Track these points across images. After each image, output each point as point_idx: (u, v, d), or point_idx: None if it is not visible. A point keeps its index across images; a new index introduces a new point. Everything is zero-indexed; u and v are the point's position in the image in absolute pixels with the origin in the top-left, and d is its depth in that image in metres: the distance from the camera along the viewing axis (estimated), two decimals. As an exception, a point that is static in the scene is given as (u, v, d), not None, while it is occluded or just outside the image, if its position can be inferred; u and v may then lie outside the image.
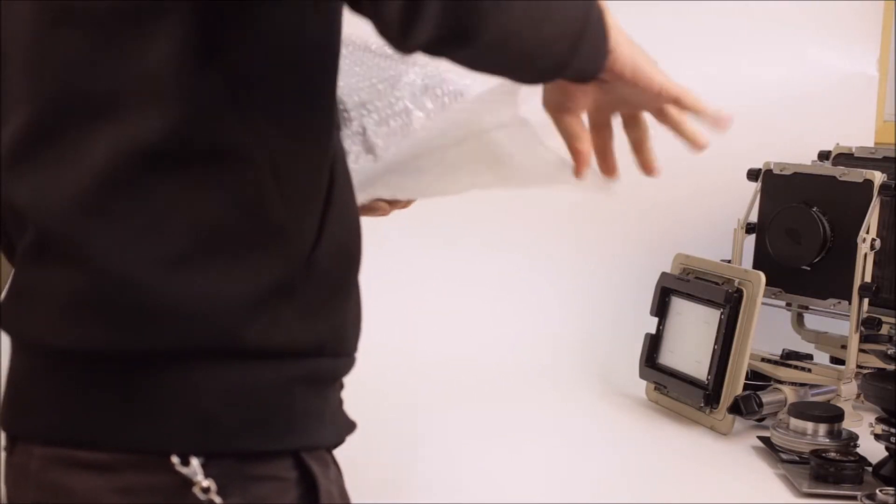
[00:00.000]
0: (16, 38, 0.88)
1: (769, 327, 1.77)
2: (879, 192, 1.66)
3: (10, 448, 0.88)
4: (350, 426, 0.95)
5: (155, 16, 0.81)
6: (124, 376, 0.82)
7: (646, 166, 1.04)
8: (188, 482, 0.82)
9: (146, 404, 0.83)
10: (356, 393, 0.98)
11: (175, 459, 0.82)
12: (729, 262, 1.80)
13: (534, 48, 0.85)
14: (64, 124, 0.83)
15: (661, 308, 1.77)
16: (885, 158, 1.79)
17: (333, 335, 0.90)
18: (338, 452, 0.95)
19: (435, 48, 0.82)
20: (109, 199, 0.81)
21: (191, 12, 0.81)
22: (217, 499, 0.82)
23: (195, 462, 0.82)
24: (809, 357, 1.76)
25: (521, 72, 0.90)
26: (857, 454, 1.45)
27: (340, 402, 0.95)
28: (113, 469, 0.83)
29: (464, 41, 0.80)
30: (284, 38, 0.84)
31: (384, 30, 0.80)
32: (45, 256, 0.84)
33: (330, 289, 0.88)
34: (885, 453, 1.44)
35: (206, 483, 0.82)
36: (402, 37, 0.79)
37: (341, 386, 0.95)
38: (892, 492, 1.31)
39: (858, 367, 1.66)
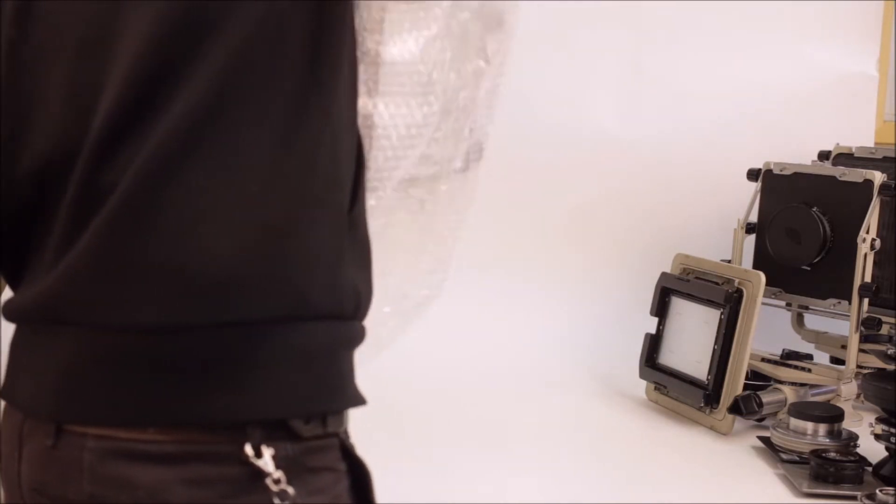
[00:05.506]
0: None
1: (769, 327, 1.77)
2: (879, 192, 1.66)
3: (55, 441, 0.85)
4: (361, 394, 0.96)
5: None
6: (202, 349, 0.82)
7: None
8: (259, 473, 0.82)
9: (221, 375, 0.82)
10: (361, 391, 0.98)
11: (249, 451, 0.82)
12: (729, 262, 1.79)
13: None
14: (151, 94, 0.82)
15: (661, 308, 1.77)
16: (885, 158, 1.79)
17: (366, 294, 0.91)
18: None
19: None
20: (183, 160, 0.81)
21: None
22: (290, 489, 0.83)
23: (267, 454, 0.82)
24: (809, 357, 1.76)
25: None
26: (857, 454, 1.45)
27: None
28: (180, 460, 0.81)
29: None
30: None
31: None
32: (121, 233, 0.81)
33: (363, 246, 0.91)
34: (885, 453, 1.44)
35: (277, 474, 0.82)
36: None
37: None
38: (892, 492, 1.31)
39: (858, 367, 1.66)
